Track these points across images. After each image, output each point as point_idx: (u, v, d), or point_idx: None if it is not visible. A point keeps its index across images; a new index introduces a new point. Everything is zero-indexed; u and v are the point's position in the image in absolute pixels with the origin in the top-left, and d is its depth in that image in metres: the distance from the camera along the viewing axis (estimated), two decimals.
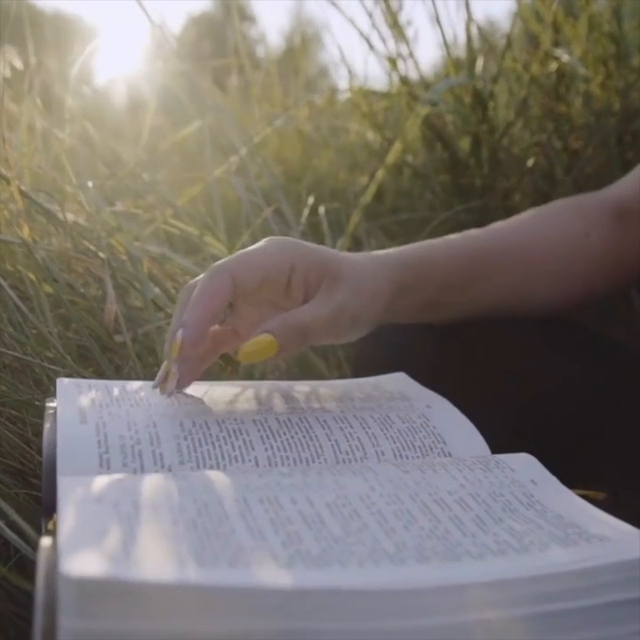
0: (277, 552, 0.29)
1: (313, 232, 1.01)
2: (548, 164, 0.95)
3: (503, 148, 0.97)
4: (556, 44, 0.90)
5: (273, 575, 0.27)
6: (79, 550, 0.27)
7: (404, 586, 0.27)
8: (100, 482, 0.34)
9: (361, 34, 0.95)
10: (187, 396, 0.48)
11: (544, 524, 0.35)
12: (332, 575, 0.28)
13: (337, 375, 0.77)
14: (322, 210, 0.95)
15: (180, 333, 0.44)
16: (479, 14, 0.93)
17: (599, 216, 0.63)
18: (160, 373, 0.47)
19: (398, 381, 0.55)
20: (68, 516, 0.30)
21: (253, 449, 0.42)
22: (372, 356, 0.66)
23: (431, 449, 0.46)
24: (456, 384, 0.60)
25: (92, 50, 0.85)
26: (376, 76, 1.13)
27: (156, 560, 0.27)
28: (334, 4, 0.97)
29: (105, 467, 0.39)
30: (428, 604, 0.27)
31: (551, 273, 0.62)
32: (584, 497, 0.45)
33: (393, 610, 0.27)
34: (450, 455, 0.45)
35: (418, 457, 0.45)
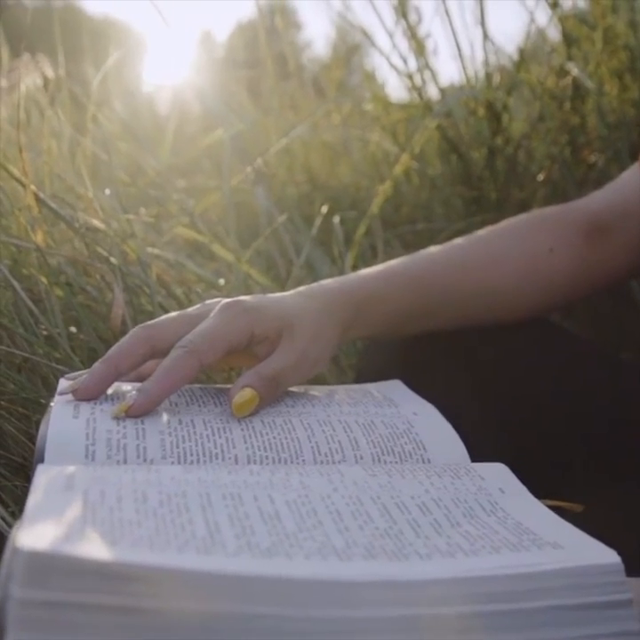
0: (228, 543, 0.31)
1: (329, 240, 1.02)
2: (562, 177, 0.95)
3: (518, 160, 0.98)
4: (571, 57, 0.90)
5: (215, 562, 0.29)
6: (37, 527, 0.29)
7: (330, 576, 0.29)
8: (73, 470, 0.36)
9: (381, 52, 0.97)
10: (178, 396, 0.50)
11: (501, 530, 0.36)
12: (273, 566, 0.29)
13: (340, 383, 0.78)
14: (336, 219, 0.96)
15: (133, 396, 0.46)
16: (495, 28, 0.94)
17: (567, 230, 0.64)
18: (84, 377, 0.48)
19: (391, 388, 0.56)
20: (35, 498, 0.32)
21: (234, 447, 0.44)
22: (375, 364, 0.68)
23: (411, 455, 0.47)
24: (455, 390, 0.61)
25: (122, 56, 0.88)
26: (397, 86, 1.14)
27: (109, 541, 0.29)
28: (358, 26, 0.99)
29: (90, 458, 0.41)
30: (359, 598, 0.28)
31: (510, 293, 0.63)
32: (560, 509, 0.46)
33: (320, 599, 0.28)
34: (429, 462, 0.46)
35: (396, 462, 0.46)
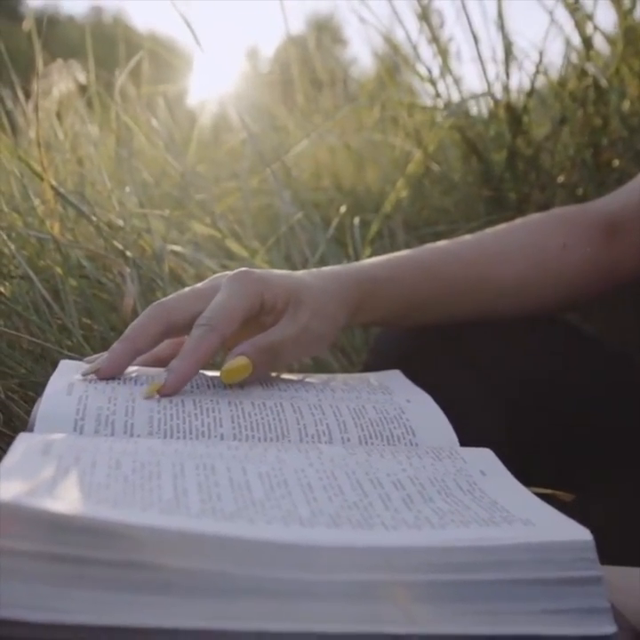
0: (192, 506, 0.31)
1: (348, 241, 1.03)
2: (582, 179, 0.95)
3: (539, 163, 0.97)
4: (590, 58, 0.90)
5: (175, 520, 0.29)
6: (5, 483, 0.30)
7: (289, 539, 0.29)
8: (52, 437, 0.37)
9: (397, 51, 0.97)
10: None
11: (474, 506, 0.36)
12: (233, 528, 0.30)
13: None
14: (356, 220, 0.97)
15: (163, 376, 0.47)
16: (515, 31, 0.94)
17: (582, 228, 0.64)
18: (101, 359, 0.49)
19: (388, 377, 0.56)
20: (10, 460, 0.33)
21: (221, 426, 0.44)
22: (382, 359, 0.68)
23: (399, 439, 0.47)
24: (461, 386, 0.61)
25: (138, 61, 0.90)
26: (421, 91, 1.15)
27: (74, 499, 0.30)
28: (379, 31, 0.99)
29: (78, 432, 0.42)
30: (317, 562, 0.29)
31: (519, 287, 0.63)
32: (551, 497, 0.45)
33: (278, 561, 0.29)
34: (417, 447, 0.46)
35: (383, 446, 0.46)
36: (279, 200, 0.98)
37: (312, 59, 1.47)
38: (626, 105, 0.92)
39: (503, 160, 0.98)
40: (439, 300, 0.60)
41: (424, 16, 0.99)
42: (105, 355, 0.49)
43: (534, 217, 0.67)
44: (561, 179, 0.95)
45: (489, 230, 0.66)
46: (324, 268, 0.56)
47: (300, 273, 0.55)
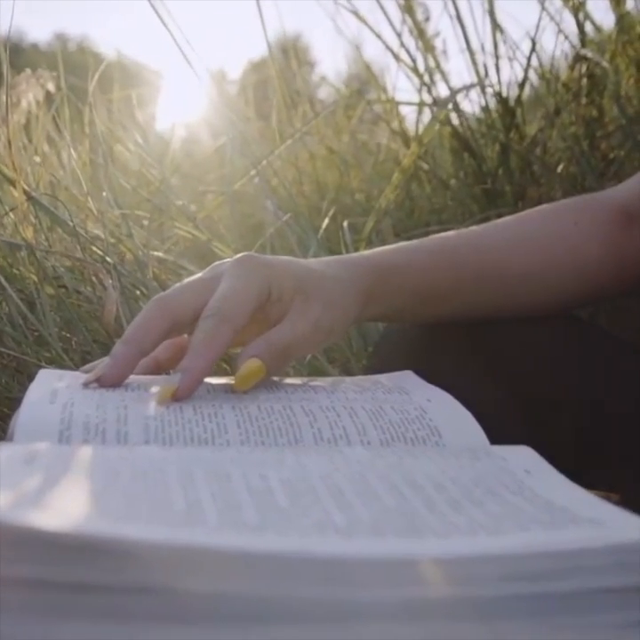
0: (209, 518, 0.26)
1: (336, 247, 0.99)
2: (580, 171, 0.91)
3: (534, 156, 0.94)
4: (585, 44, 0.87)
5: (192, 535, 0.24)
6: None
7: (328, 553, 0.24)
8: (36, 446, 0.32)
9: (386, 46, 0.94)
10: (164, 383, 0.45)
11: (529, 508, 0.31)
12: (262, 542, 0.25)
13: None
14: (345, 224, 0.93)
15: (176, 377, 0.42)
16: (505, 19, 0.90)
17: (593, 211, 0.61)
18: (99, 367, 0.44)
19: (402, 378, 0.52)
20: None
21: (226, 432, 0.39)
22: (387, 359, 0.64)
23: (424, 441, 0.42)
24: (472, 384, 0.57)
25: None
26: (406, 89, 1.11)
27: (65, 512, 0.24)
28: (364, 21, 0.96)
29: (64, 442, 0.37)
30: (363, 577, 0.24)
31: (534, 276, 0.59)
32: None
33: (318, 579, 0.23)
34: (444, 447, 0.42)
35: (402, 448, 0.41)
36: (263, 204, 0.94)
37: (280, 79, 1.44)
38: (622, 93, 0.89)
39: (496, 155, 0.95)
40: (455, 289, 0.56)
41: (408, 9, 0.96)
42: (106, 360, 0.43)
43: (542, 206, 0.64)
44: (559, 169, 0.92)
45: (500, 220, 0.62)
46: (335, 257, 0.51)
47: (307, 260, 0.50)
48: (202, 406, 0.42)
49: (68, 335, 0.68)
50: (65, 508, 0.25)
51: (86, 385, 0.42)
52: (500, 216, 0.95)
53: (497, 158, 0.94)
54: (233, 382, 0.48)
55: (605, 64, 0.79)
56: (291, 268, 0.47)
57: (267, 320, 0.46)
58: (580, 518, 0.30)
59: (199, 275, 0.47)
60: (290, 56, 1.58)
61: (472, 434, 0.43)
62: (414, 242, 0.57)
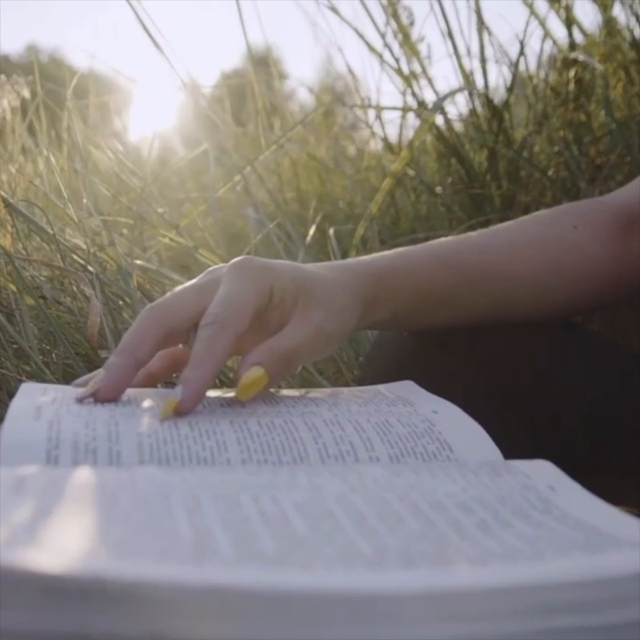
0: (223, 551, 0.23)
1: (322, 253, 0.97)
2: (570, 176, 0.90)
3: (522, 161, 0.92)
4: (573, 47, 0.86)
5: (207, 572, 0.22)
6: None
7: (360, 589, 0.21)
8: (24, 471, 0.29)
9: (372, 48, 0.92)
10: (158, 397, 0.42)
11: (562, 529, 0.29)
12: (285, 576, 0.22)
13: None
14: (331, 231, 0.90)
15: (178, 390, 0.39)
16: (492, 21, 0.89)
17: (597, 217, 0.60)
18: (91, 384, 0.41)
19: (404, 388, 0.50)
20: None
21: (226, 451, 0.37)
22: (381, 366, 0.62)
23: (435, 456, 0.40)
24: (468, 391, 0.55)
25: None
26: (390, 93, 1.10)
27: (64, 550, 0.22)
28: (347, 22, 0.94)
29: (53, 464, 0.34)
30: (399, 615, 0.21)
31: (533, 281, 0.58)
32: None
33: (349, 618, 0.21)
34: (456, 462, 0.39)
35: (419, 463, 0.39)
36: (244, 211, 0.91)
37: (260, 85, 1.42)
38: (611, 96, 0.87)
39: (484, 160, 0.93)
40: (456, 293, 0.54)
41: (393, 12, 0.94)
42: (101, 372, 0.40)
43: (544, 211, 0.63)
44: (546, 178, 0.90)
45: (500, 225, 0.61)
46: (334, 262, 0.49)
47: (309, 265, 0.47)
48: (198, 422, 0.39)
49: (49, 348, 0.65)
50: (62, 545, 0.22)
51: (81, 400, 0.39)
52: (488, 222, 0.93)
53: (485, 163, 0.93)
54: (228, 395, 0.45)
55: (599, 66, 0.78)
56: (291, 272, 0.44)
57: (266, 326, 0.44)
58: (617, 540, 0.28)
59: (194, 280, 0.44)
60: (266, 65, 1.56)
61: (484, 447, 0.41)
62: (414, 246, 0.56)
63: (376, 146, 1.17)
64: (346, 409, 0.43)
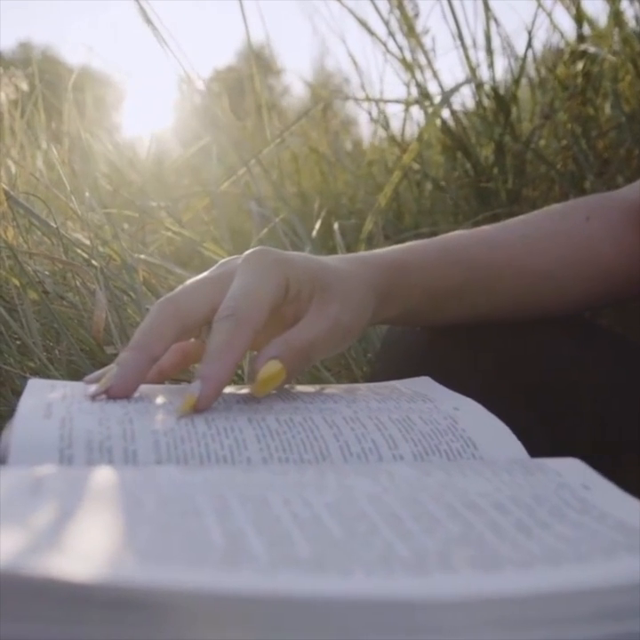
0: (258, 555, 0.22)
1: (325, 248, 0.95)
2: (577, 170, 0.89)
3: (529, 155, 0.91)
4: (582, 39, 0.84)
5: (244, 579, 0.20)
6: None
7: (405, 596, 0.20)
8: (42, 471, 0.28)
9: (375, 36, 0.90)
10: (172, 394, 0.41)
11: (602, 529, 0.28)
12: (326, 583, 0.21)
13: None
14: (336, 226, 0.89)
15: (196, 386, 0.38)
16: (499, 12, 0.88)
17: (609, 210, 0.59)
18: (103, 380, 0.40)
19: (421, 384, 0.49)
20: None
21: (246, 448, 0.35)
22: (393, 362, 0.61)
23: (460, 454, 0.39)
24: (481, 386, 0.54)
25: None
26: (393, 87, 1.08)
27: (91, 556, 0.20)
28: (350, 10, 0.93)
29: (66, 463, 0.32)
30: (444, 623, 0.20)
31: (545, 275, 0.57)
32: None
33: (395, 627, 0.20)
34: (481, 460, 0.38)
35: (444, 462, 0.37)
36: (252, 204, 0.90)
37: (259, 79, 1.41)
38: (620, 89, 0.86)
39: (491, 154, 0.92)
40: (467, 289, 0.53)
41: (398, 4, 0.93)
42: (114, 368, 0.39)
43: (555, 205, 0.62)
44: (555, 171, 0.89)
45: (510, 220, 0.60)
46: (348, 255, 0.48)
47: (321, 257, 0.46)
48: (215, 419, 0.38)
49: (52, 344, 0.63)
50: (87, 550, 0.21)
51: (94, 397, 0.38)
52: (494, 217, 0.92)
53: (492, 157, 0.92)
54: (243, 391, 0.44)
55: (612, 57, 0.77)
56: (307, 264, 0.43)
57: (281, 319, 0.43)
58: None
59: (207, 273, 0.43)
60: (262, 60, 1.55)
61: (509, 444, 0.40)
62: (426, 240, 0.55)
63: (376, 139, 1.16)
64: (365, 405, 0.42)
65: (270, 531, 0.24)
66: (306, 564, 0.22)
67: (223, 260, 0.44)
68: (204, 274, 0.43)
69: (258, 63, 1.55)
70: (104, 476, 0.28)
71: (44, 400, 0.38)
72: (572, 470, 0.34)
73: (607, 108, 0.91)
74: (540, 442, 0.50)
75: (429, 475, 0.32)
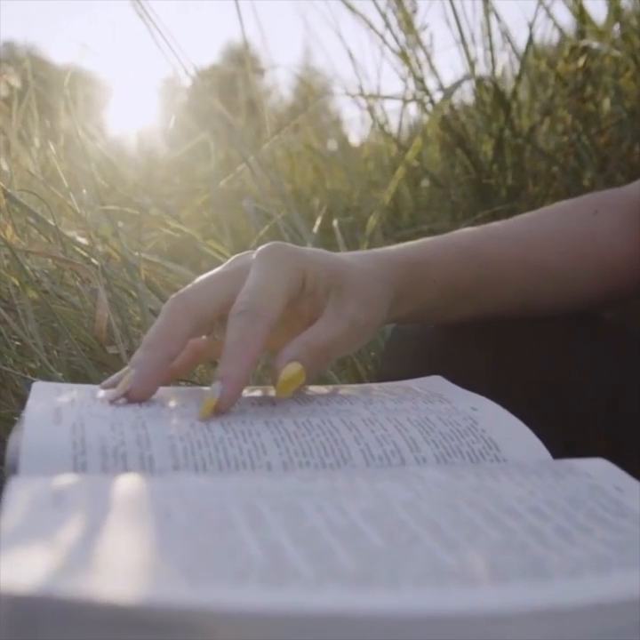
0: (300, 568, 0.21)
1: (325, 246, 0.94)
2: (578, 166, 0.88)
3: (529, 151, 0.90)
4: (583, 35, 0.84)
5: (292, 597, 0.19)
6: (17, 560, 0.19)
7: (459, 610, 0.19)
8: (62, 481, 0.26)
9: (373, 29, 0.89)
10: (186, 397, 0.40)
11: None
12: (379, 598, 0.20)
13: None
14: (335, 223, 0.88)
15: (216, 387, 0.37)
16: (500, 7, 0.87)
17: (618, 207, 0.59)
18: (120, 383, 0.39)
19: (434, 384, 0.48)
20: (11, 520, 0.22)
21: (265, 453, 0.34)
22: (400, 360, 0.60)
23: (482, 455, 0.38)
24: (489, 389, 0.54)
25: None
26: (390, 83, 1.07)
27: (126, 575, 0.19)
28: (348, 5, 0.91)
29: (80, 470, 0.31)
30: (509, 634, 0.19)
31: (556, 270, 0.57)
32: None
33: None
34: (505, 462, 0.37)
35: (467, 464, 0.37)
36: (248, 201, 0.89)
37: (251, 75, 1.39)
38: (621, 85, 0.86)
39: (490, 150, 0.91)
40: (480, 285, 0.53)
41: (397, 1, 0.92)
42: (131, 371, 0.38)
43: (564, 202, 0.61)
44: (555, 168, 0.88)
45: (520, 216, 0.59)
46: (363, 251, 0.47)
47: (337, 253, 0.45)
48: (231, 422, 0.37)
49: (52, 344, 0.62)
50: (122, 568, 0.20)
51: (113, 402, 0.37)
52: (494, 214, 0.91)
53: (491, 154, 0.91)
54: (255, 392, 0.43)
55: (616, 52, 0.76)
56: (323, 260, 0.42)
57: (297, 316, 0.42)
58: None
59: (220, 268, 0.42)
60: (246, 58, 1.54)
61: (530, 445, 0.39)
62: (438, 237, 0.54)
63: (372, 136, 1.15)
64: (382, 406, 0.41)
65: (308, 541, 0.23)
66: (351, 578, 0.21)
67: (237, 256, 0.43)
68: (217, 269, 0.42)
69: (250, 60, 1.53)
70: (127, 484, 0.27)
71: (52, 405, 0.37)
72: (601, 471, 0.34)
73: (607, 105, 0.90)
74: (552, 442, 0.49)
75: (461, 479, 0.31)
